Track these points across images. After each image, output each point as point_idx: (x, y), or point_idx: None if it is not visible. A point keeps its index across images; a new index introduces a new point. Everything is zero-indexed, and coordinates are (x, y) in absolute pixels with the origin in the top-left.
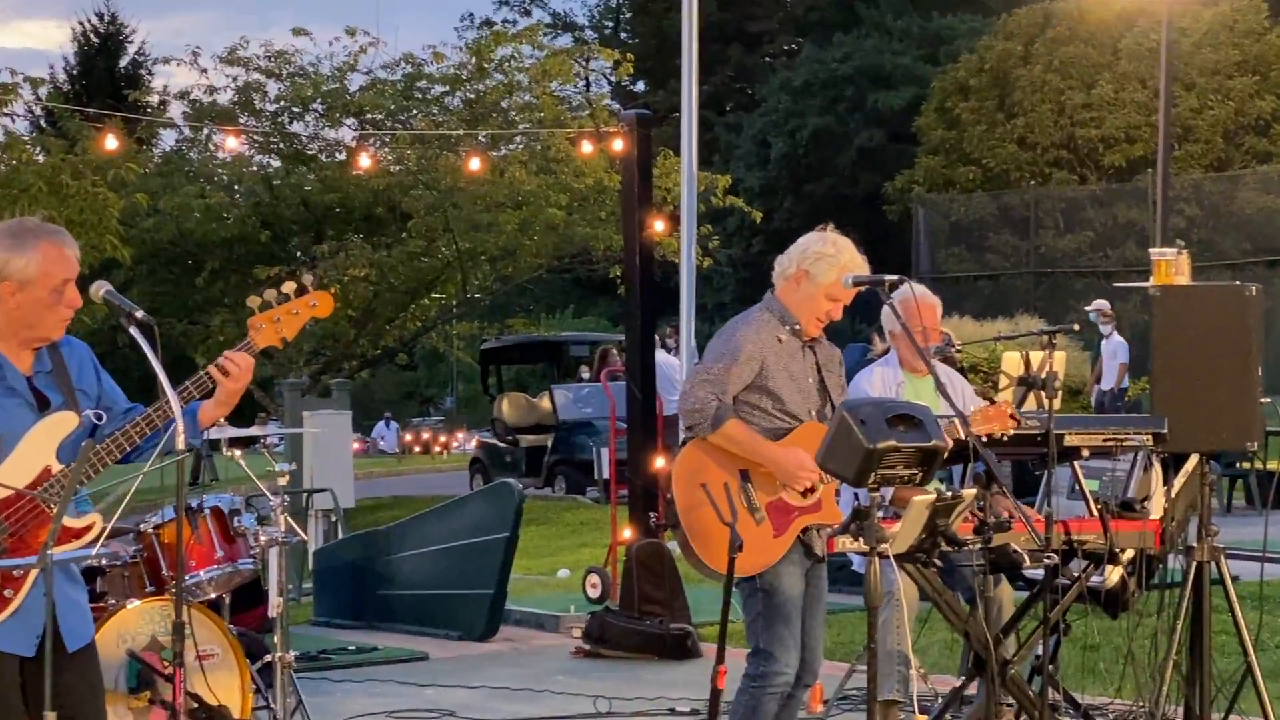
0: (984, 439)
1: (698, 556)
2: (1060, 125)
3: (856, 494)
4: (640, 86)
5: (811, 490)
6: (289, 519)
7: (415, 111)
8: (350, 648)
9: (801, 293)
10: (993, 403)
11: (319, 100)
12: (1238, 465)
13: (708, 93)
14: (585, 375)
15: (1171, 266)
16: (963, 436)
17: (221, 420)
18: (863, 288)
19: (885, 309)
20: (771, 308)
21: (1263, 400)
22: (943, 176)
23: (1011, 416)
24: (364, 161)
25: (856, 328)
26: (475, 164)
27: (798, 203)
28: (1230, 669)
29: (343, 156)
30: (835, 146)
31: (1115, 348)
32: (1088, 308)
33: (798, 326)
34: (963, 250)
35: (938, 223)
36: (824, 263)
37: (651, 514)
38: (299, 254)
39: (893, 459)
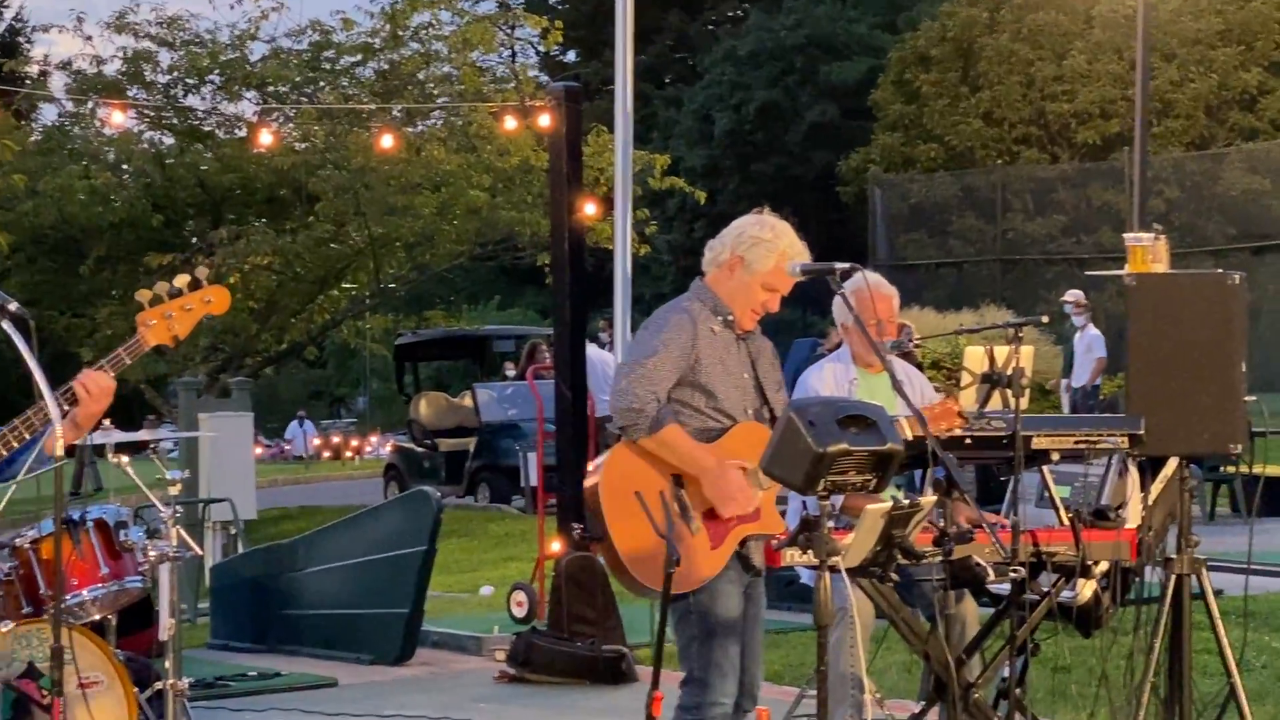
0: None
1: (631, 574)
2: (1029, 99)
3: (805, 502)
4: (571, 57)
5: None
6: (182, 532)
7: (323, 84)
8: (251, 673)
9: (736, 281)
10: (949, 398)
11: (216, 71)
12: (1222, 469)
13: (645, 63)
14: (510, 373)
15: (1148, 253)
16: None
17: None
18: (810, 276)
19: (836, 300)
20: (702, 297)
21: (1248, 399)
22: (901, 155)
23: (959, 414)
24: (266, 139)
25: (808, 320)
26: (388, 141)
27: (744, 184)
28: (1212, 691)
29: (243, 133)
30: (784, 122)
31: (1089, 342)
32: (1063, 298)
33: (731, 318)
34: (923, 235)
35: (896, 205)
36: (761, 249)
37: (575, 526)
38: (194, 240)
39: (844, 464)
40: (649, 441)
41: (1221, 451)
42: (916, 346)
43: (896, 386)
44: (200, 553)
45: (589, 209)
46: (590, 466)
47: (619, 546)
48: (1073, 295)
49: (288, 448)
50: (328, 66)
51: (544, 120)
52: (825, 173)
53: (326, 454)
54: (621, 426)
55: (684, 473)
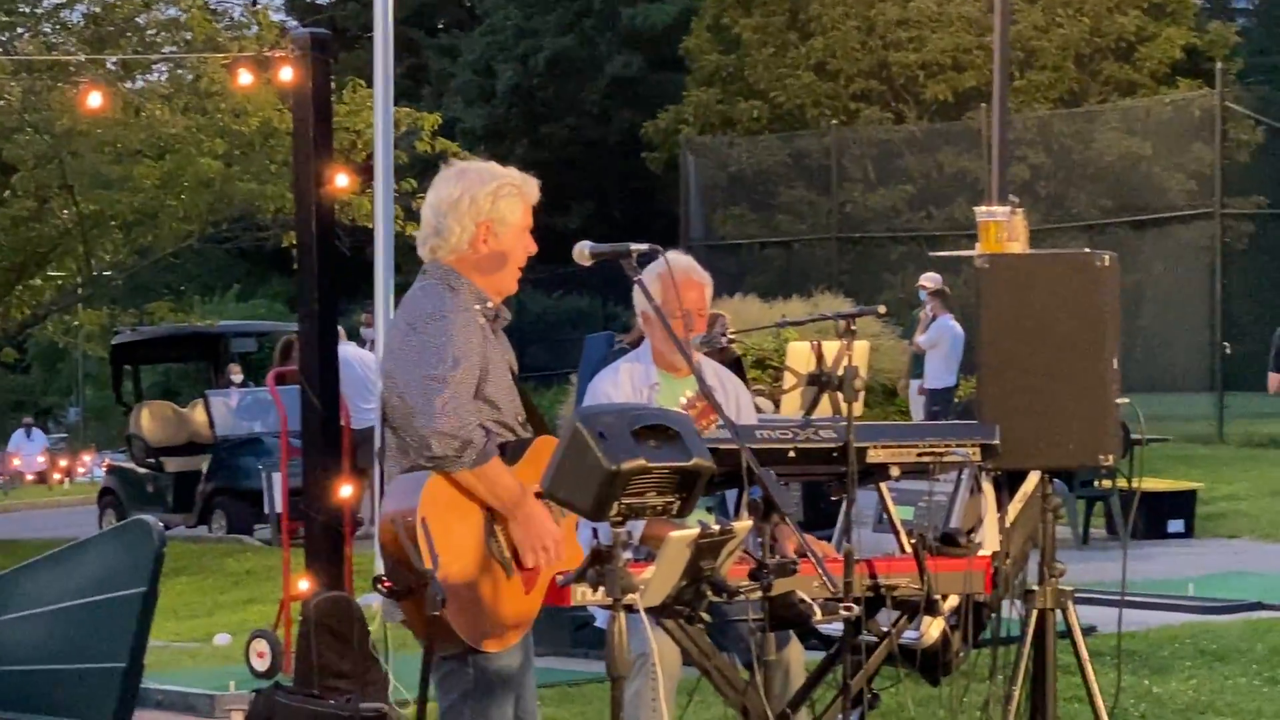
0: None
1: (461, 631)
2: (869, 48)
3: (595, 530)
4: None
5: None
6: None
7: (20, 30)
8: None
9: (490, 253)
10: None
11: None
12: (1096, 484)
13: (412, 5)
14: (236, 378)
15: (1002, 229)
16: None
17: None
18: (602, 259)
19: (635, 289)
20: (454, 283)
21: (1121, 401)
22: (719, 115)
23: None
24: None
25: (609, 311)
26: (97, 99)
27: (533, 148)
28: None
29: None
30: (581, 76)
31: (938, 334)
32: (919, 283)
33: (490, 304)
34: (745, 209)
35: (713, 174)
36: (505, 200)
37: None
38: None
39: (642, 483)
40: (469, 475)
41: (1091, 464)
42: (732, 342)
43: (705, 392)
44: None
45: (341, 180)
46: (392, 504)
47: (452, 596)
48: (930, 280)
49: (18, 463)
50: (26, 10)
51: (286, 74)
52: (629, 136)
53: (29, 477)
54: (439, 456)
55: (493, 507)
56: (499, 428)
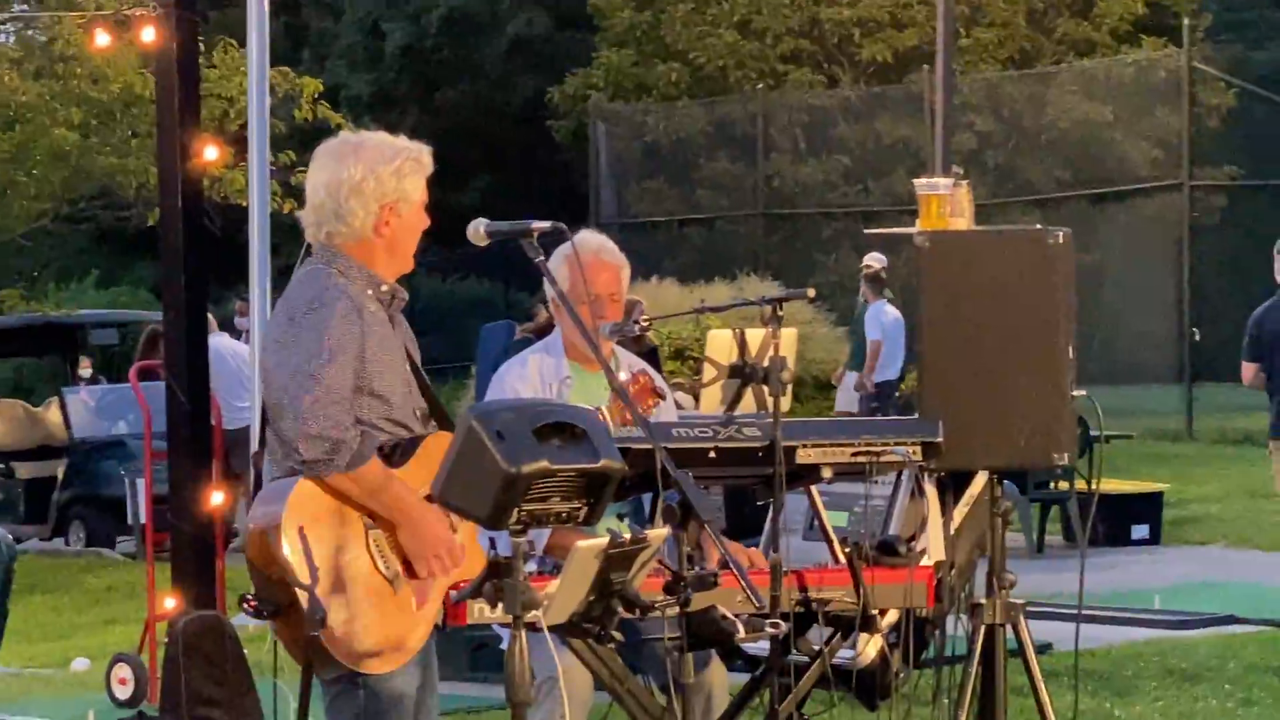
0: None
1: (336, 654)
2: (799, 4)
3: (493, 539)
4: None
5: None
6: None
7: None
8: None
9: (392, 235)
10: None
11: None
12: (1051, 486)
13: None
14: (86, 372)
15: (945, 203)
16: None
17: None
18: (500, 239)
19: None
20: (343, 268)
21: (1077, 393)
22: (633, 79)
23: (654, 391)
24: None
25: (511, 298)
26: None
27: (426, 117)
28: None
29: None
30: (479, 36)
31: (873, 320)
32: (863, 264)
33: (385, 287)
34: (661, 184)
35: (626, 145)
36: (408, 178)
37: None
38: None
39: (545, 487)
40: (344, 480)
41: (1045, 463)
42: (646, 331)
43: (615, 387)
44: None
45: (211, 152)
46: (259, 512)
47: (332, 614)
48: (874, 260)
49: None
50: None
51: (148, 34)
52: (533, 102)
53: None
54: (311, 460)
55: (378, 514)
56: (391, 425)
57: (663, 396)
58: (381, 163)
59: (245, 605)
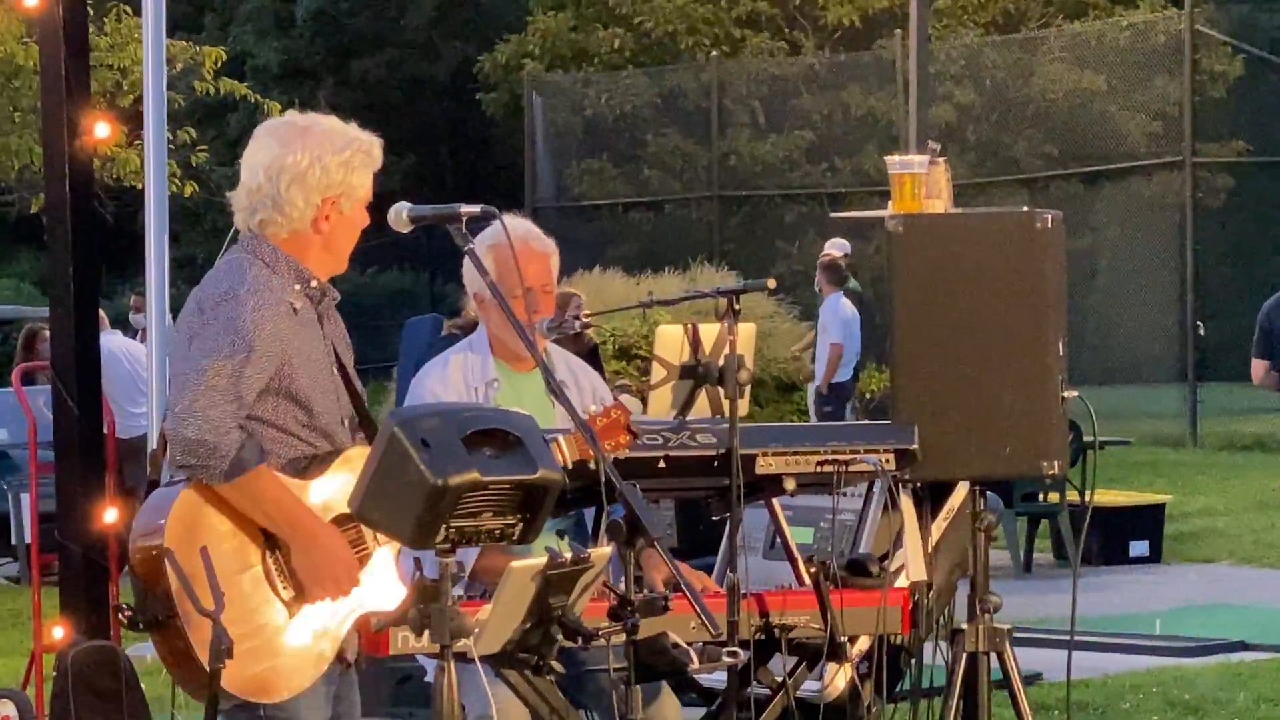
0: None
1: (242, 670)
2: None
3: (418, 560)
4: None
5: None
6: None
7: None
8: None
9: (332, 230)
10: (615, 405)
11: None
12: (1040, 498)
13: None
14: None
15: (920, 183)
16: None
17: None
18: (423, 224)
19: (466, 262)
20: (271, 260)
21: (1068, 394)
22: (572, 46)
23: (628, 429)
24: None
25: (437, 291)
26: None
27: (341, 90)
28: None
29: None
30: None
31: (831, 315)
32: (825, 252)
33: (315, 283)
34: (604, 163)
35: (564, 120)
36: (361, 169)
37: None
38: None
39: (475, 501)
40: (227, 489)
41: (1033, 473)
42: (588, 327)
43: (553, 389)
44: None
45: (102, 129)
46: (142, 521)
47: (194, 636)
48: (835, 248)
49: None
50: None
51: None
52: (461, 73)
53: None
54: (186, 465)
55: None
56: (311, 434)
57: (636, 436)
58: (330, 151)
59: (120, 615)
